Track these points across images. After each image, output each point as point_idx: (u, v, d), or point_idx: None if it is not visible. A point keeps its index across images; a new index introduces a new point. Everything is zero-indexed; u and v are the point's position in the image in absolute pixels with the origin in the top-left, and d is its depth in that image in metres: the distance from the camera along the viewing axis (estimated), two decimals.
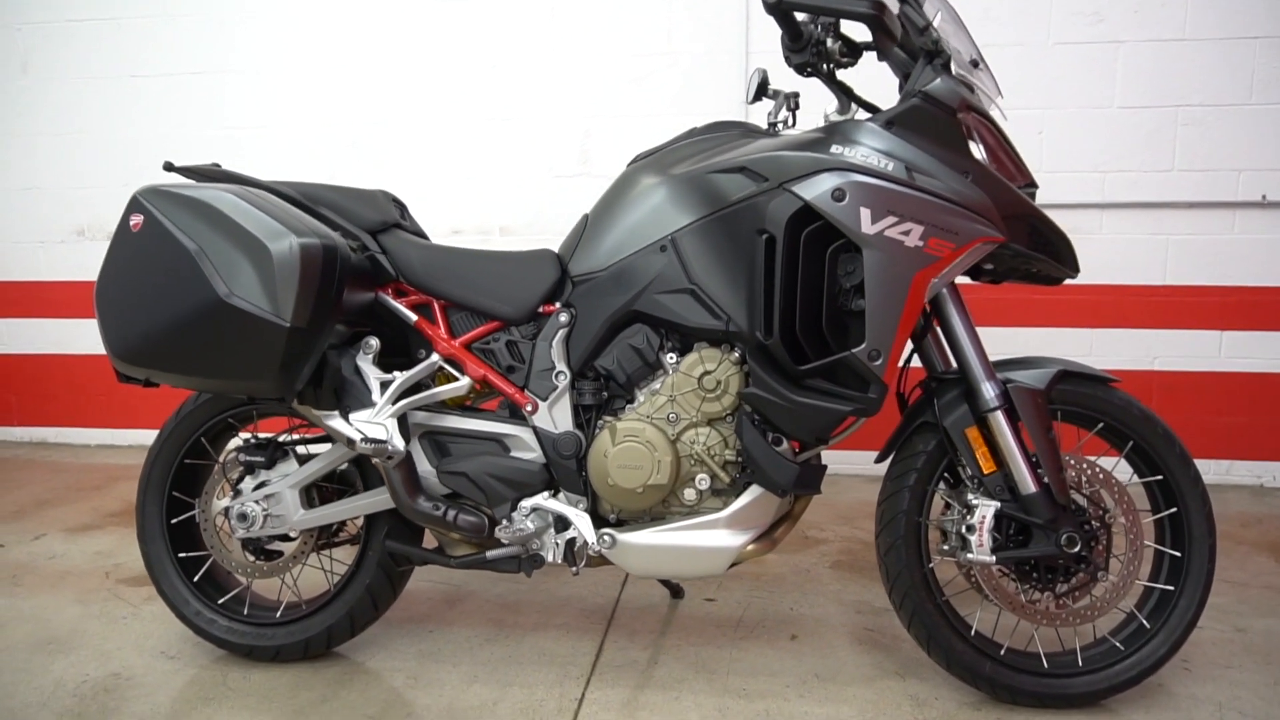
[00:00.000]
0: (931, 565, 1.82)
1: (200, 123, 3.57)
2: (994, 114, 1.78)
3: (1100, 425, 1.80)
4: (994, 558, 1.72)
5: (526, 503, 1.80)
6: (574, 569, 1.80)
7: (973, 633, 1.80)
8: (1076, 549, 1.71)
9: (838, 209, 1.60)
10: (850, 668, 1.96)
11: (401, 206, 2.03)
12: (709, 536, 1.76)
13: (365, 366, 1.80)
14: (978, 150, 1.70)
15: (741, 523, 1.76)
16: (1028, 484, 1.71)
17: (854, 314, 1.65)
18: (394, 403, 1.79)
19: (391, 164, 3.48)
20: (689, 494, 1.77)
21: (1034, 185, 1.82)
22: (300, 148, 3.53)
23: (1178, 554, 1.79)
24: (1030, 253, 1.70)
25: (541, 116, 3.38)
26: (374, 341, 1.82)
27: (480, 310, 1.84)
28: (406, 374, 1.80)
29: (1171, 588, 1.79)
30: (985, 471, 1.74)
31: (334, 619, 1.94)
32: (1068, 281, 1.86)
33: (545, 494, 1.81)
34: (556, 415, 1.80)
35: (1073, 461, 1.77)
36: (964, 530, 1.74)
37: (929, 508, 1.81)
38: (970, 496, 1.76)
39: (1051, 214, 3.02)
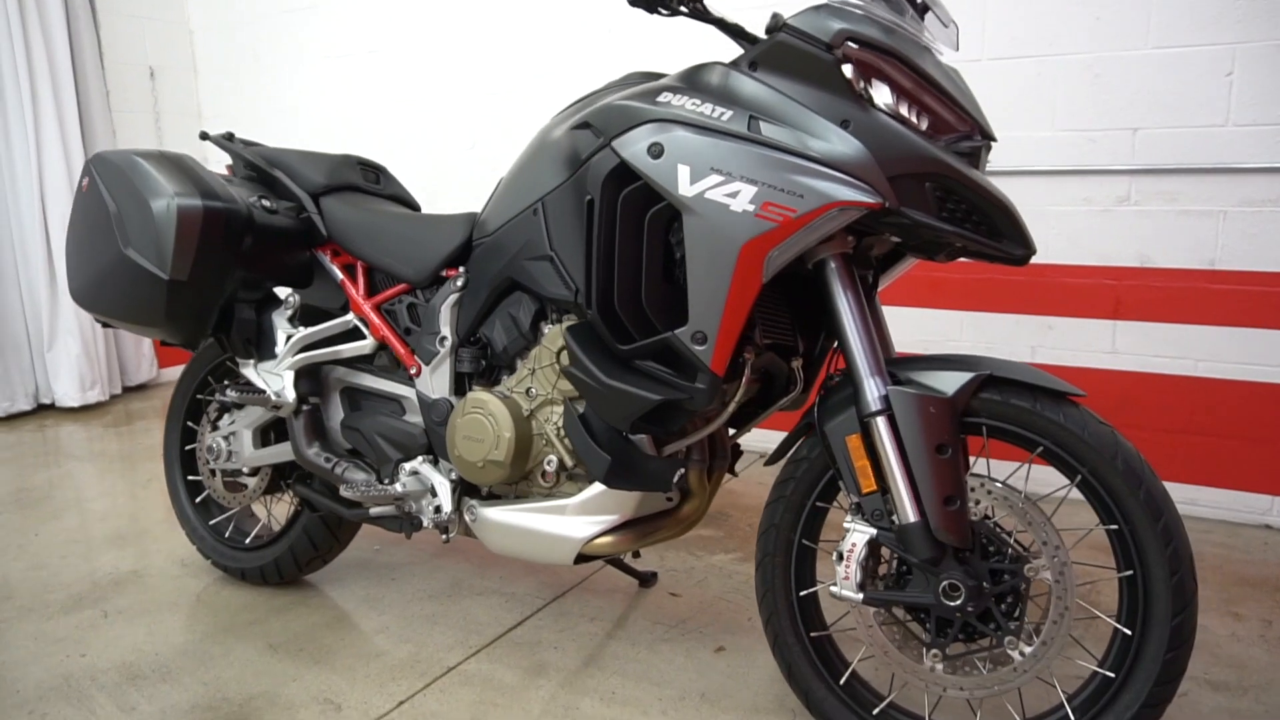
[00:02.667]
0: (807, 592, 1.53)
1: (370, 96, 3.95)
2: (922, 50, 1.42)
3: (1040, 449, 1.39)
4: (861, 595, 1.41)
5: (407, 465, 1.80)
6: (444, 537, 1.78)
7: (842, 680, 1.50)
8: (959, 601, 1.35)
9: (653, 167, 1.38)
10: (748, 693, 1.72)
11: (376, 171, 2.10)
12: (556, 523, 1.63)
13: (277, 320, 1.91)
14: (885, 95, 1.37)
15: (591, 512, 1.61)
16: (907, 511, 1.37)
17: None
18: (294, 355, 1.88)
19: (518, 133, 3.59)
20: (546, 475, 1.66)
21: (987, 138, 1.43)
22: (446, 115, 3.77)
23: (1128, 631, 1.34)
24: (936, 224, 1.34)
25: None
26: (293, 298, 1.92)
27: (389, 272, 1.86)
28: (307, 330, 1.88)
29: (1114, 675, 1.35)
30: (863, 490, 1.42)
31: (279, 554, 2.10)
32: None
33: (423, 458, 1.79)
34: (435, 380, 1.78)
35: (991, 490, 1.39)
36: (835, 558, 1.45)
37: (806, 524, 1.53)
38: (848, 519, 1.45)
39: (1247, 180, 2.39)
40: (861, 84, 1.35)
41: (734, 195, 1.34)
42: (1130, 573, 1.33)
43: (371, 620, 2.02)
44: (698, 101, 1.39)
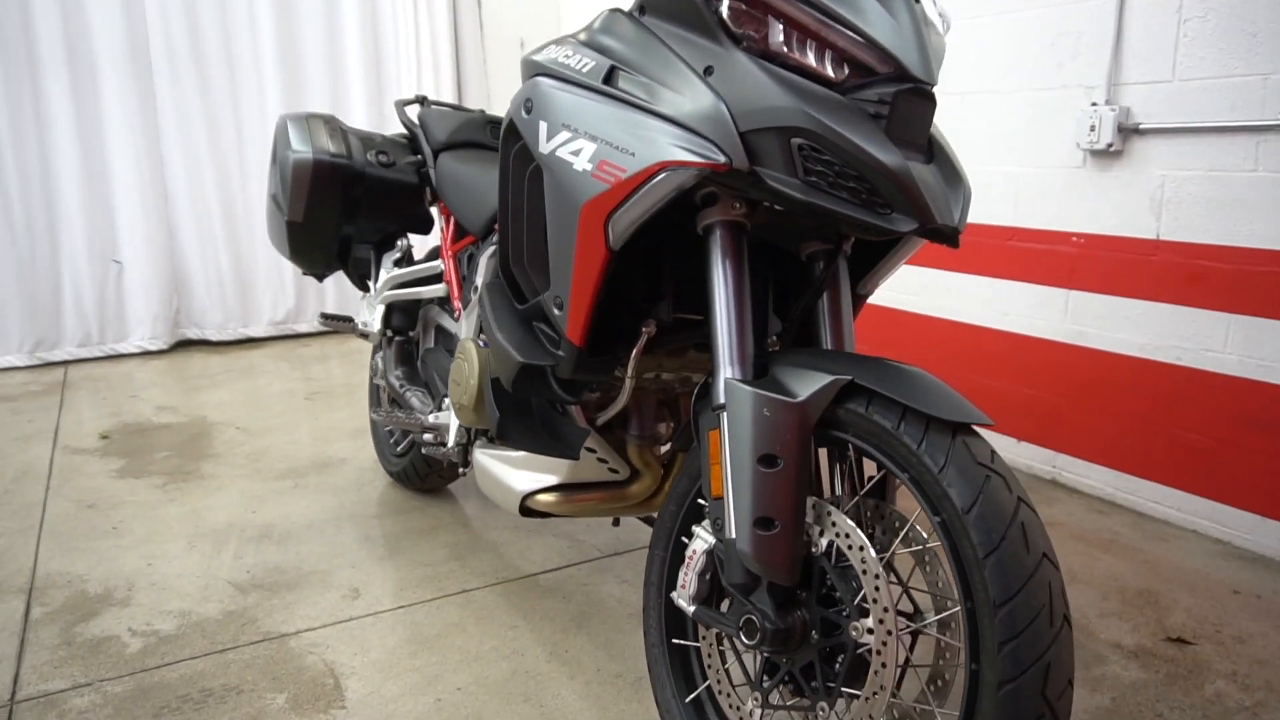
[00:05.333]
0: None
1: None
2: None
3: (900, 483, 1.09)
4: (693, 609, 1.25)
5: (447, 399, 1.97)
6: (461, 470, 1.91)
7: (690, 697, 1.33)
8: (754, 641, 1.13)
9: (524, 123, 1.33)
10: None
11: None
12: (508, 473, 1.67)
13: (385, 261, 2.18)
14: (777, 35, 1.16)
15: (532, 469, 1.63)
16: (731, 526, 1.17)
17: None
18: (385, 291, 2.13)
19: None
20: None
21: (917, 81, 1.13)
22: None
23: None
24: (790, 192, 1.10)
25: None
26: (402, 242, 2.17)
27: (462, 223, 2.02)
28: (396, 271, 2.12)
29: None
30: (712, 493, 1.24)
31: (405, 465, 2.42)
32: None
33: None
34: (467, 324, 1.90)
35: (835, 523, 1.13)
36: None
37: (684, 520, 1.36)
38: (702, 523, 1.28)
39: None
40: (742, 25, 1.15)
41: (577, 153, 1.24)
42: (975, 667, 0.99)
43: (451, 536, 2.25)
44: (570, 52, 1.31)
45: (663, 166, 1.13)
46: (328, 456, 2.83)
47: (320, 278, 2.39)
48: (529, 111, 1.32)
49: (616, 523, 1.84)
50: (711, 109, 1.12)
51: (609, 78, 1.24)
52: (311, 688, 1.62)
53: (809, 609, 1.15)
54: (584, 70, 1.27)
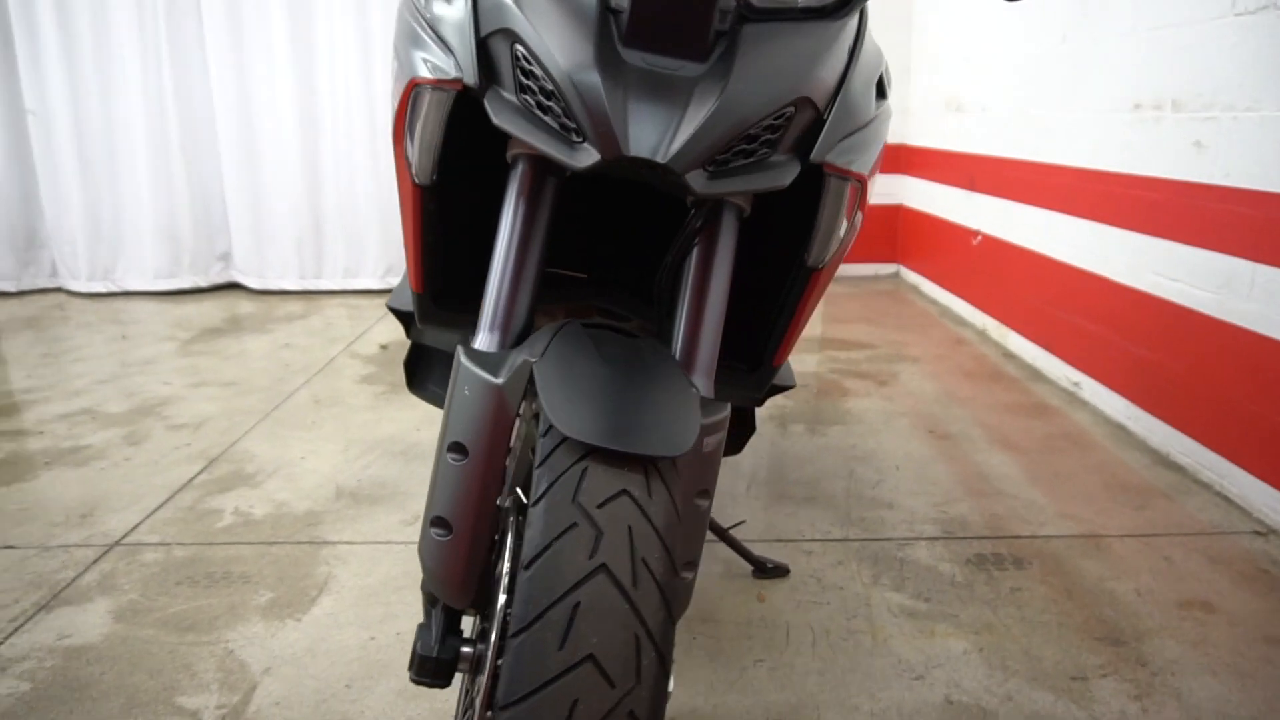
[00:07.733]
0: None
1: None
2: None
3: None
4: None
5: None
6: None
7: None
8: (408, 664, 0.94)
9: None
10: None
11: None
12: None
13: None
14: None
15: None
16: None
17: None
18: None
19: (1049, 16, 2.67)
20: None
21: None
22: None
23: None
24: (492, 115, 0.90)
25: None
26: None
27: None
28: None
29: None
30: None
31: None
32: None
33: None
34: None
35: (510, 504, 0.90)
36: None
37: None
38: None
39: None
40: None
41: (395, 77, 1.11)
42: None
43: None
44: None
45: (413, 85, 0.98)
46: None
47: None
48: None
49: None
50: (459, 14, 0.93)
51: None
52: (296, 595, 1.72)
53: (487, 643, 0.91)
54: None
